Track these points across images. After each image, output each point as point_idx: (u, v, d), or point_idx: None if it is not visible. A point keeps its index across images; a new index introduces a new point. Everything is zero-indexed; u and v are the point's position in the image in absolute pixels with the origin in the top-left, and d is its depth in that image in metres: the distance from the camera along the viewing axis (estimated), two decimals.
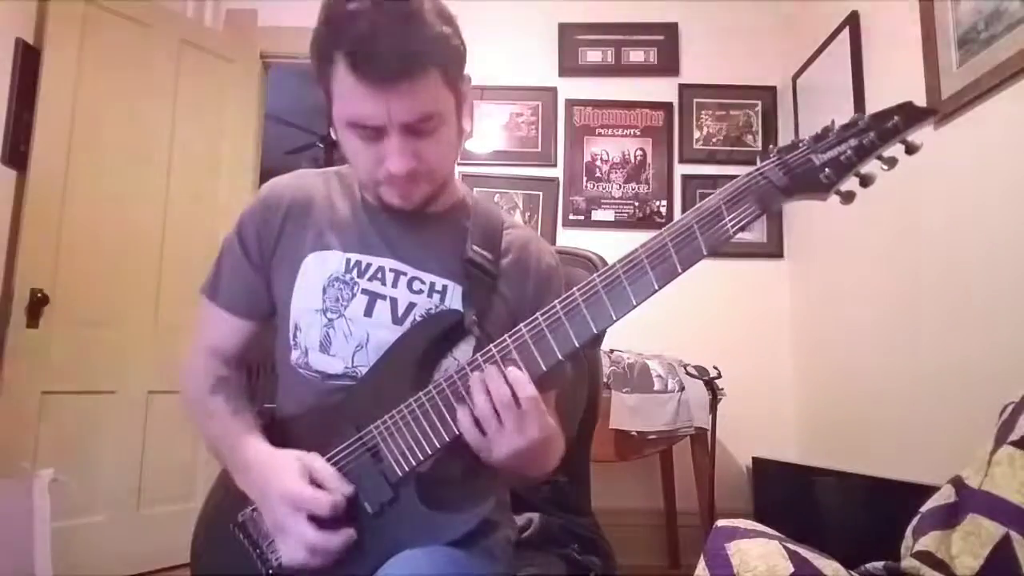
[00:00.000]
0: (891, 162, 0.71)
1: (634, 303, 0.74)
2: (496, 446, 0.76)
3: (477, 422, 0.76)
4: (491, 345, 0.79)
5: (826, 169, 0.71)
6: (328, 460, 0.81)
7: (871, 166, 0.72)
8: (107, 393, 2.41)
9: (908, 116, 0.70)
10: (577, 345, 0.76)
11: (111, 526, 2.36)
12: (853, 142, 0.71)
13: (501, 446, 0.76)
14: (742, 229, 0.73)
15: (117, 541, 2.35)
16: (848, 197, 0.73)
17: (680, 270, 0.73)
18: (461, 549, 0.77)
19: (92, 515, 2.32)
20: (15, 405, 2.18)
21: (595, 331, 0.75)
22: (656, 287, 0.73)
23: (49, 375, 2.27)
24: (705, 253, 0.73)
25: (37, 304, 2.22)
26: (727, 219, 0.72)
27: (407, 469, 0.79)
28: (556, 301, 0.76)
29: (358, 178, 0.93)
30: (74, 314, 2.33)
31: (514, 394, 0.74)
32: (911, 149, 0.71)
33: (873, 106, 2.23)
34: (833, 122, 0.73)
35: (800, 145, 0.73)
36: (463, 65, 0.84)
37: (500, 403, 0.74)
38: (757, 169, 0.73)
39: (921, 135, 0.71)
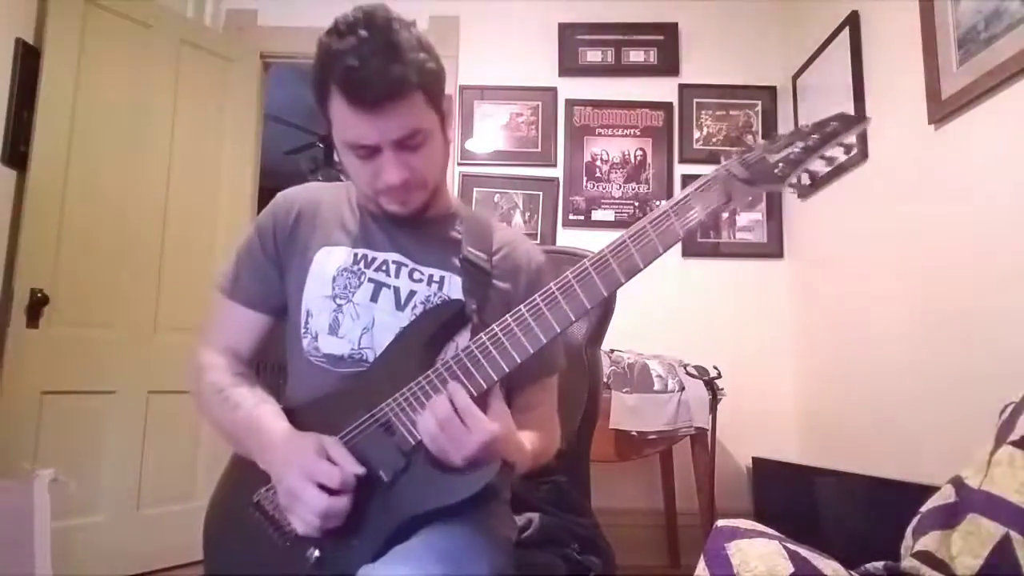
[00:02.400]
0: (831, 160, 0.86)
1: (622, 281, 0.83)
2: (452, 454, 0.82)
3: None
4: (439, 364, 0.87)
5: (780, 164, 0.84)
6: (344, 436, 0.88)
7: (817, 164, 0.86)
8: (107, 393, 2.41)
9: (844, 122, 0.86)
10: (573, 318, 0.84)
11: (111, 526, 2.36)
12: (800, 144, 0.85)
13: (455, 454, 0.82)
14: (713, 214, 0.85)
15: (117, 541, 2.34)
16: (803, 190, 0.86)
17: (661, 250, 0.83)
18: (461, 548, 0.79)
19: (92, 515, 2.32)
20: (15, 405, 2.18)
21: (588, 305, 0.83)
22: (641, 266, 0.82)
23: (49, 375, 2.27)
24: (681, 235, 0.83)
25: (37, 304, 2.22)
26: (698, 206, 0.84)
27: (419, 439, 0.85)
28: (552, 283, 0.85)
29: (360, 192, 1.03)
30: (74, 314, 2.33)
31: (456, 410, 0.81)
32: (848, 149, 0.86)
33: (873, 105, 2.25)
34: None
35: (755, 148, 0.87)
36: (443, 85, 0.96)
37: (443, 422, 0.81)
38: (722, 165, 0.86)
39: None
